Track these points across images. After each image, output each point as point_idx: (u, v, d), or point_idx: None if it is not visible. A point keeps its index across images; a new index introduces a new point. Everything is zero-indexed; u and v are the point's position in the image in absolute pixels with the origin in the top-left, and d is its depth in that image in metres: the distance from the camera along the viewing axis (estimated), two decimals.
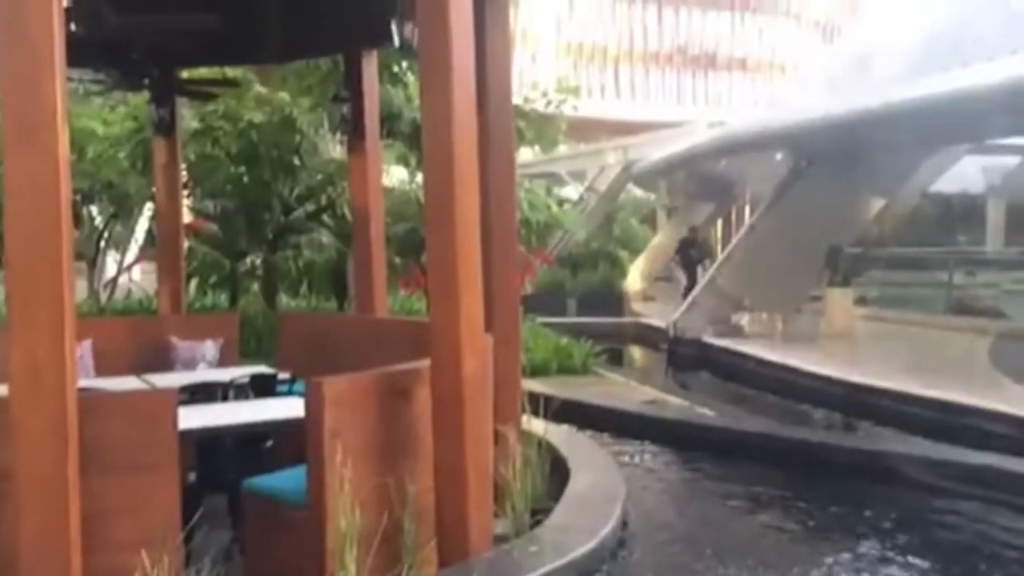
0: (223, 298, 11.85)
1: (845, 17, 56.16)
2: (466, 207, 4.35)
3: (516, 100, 12.35)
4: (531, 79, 16.17)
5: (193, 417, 4.36)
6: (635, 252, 26.33)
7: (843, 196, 15.24)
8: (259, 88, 10.42)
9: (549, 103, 13.85)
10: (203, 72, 9.51)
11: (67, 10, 3.80)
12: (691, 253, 21.01)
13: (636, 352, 17.90)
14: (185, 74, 8.35)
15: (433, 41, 4.25)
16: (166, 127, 7.49)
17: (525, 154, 22.55)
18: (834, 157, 14.44)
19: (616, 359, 14.75)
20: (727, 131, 17.92)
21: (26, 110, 3.23)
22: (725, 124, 20.62)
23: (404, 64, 10.91)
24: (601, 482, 5.83)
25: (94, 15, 4.35)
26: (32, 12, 3.19)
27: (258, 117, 9.87)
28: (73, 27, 4.08)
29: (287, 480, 4.23)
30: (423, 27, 4.37)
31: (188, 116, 9.81)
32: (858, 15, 46.49)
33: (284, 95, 10.44)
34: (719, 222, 29.24)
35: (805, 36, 56.12)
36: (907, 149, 13.94)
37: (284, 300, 12.09)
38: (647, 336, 17.78)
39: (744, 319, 16.30)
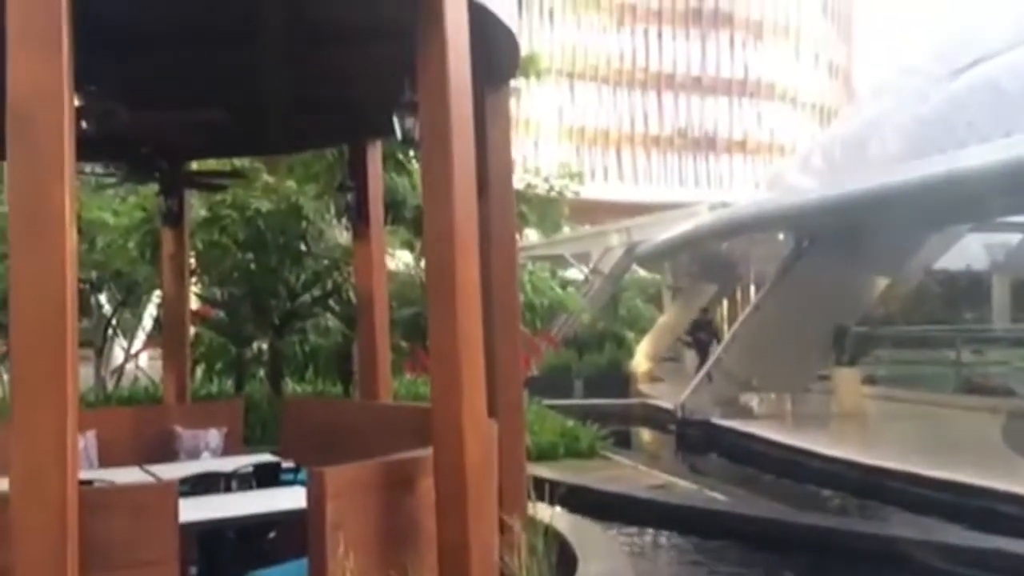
0: (229, 384, 11.84)
1: (840, 101, 57.34)
2: (467, 293, 4.38)
3: (519, 185, 12.55)
4: (534, 164, 16.48)
5: (194, 510, 4.32)
6: (641, 332, 26.32)
7: (846, 275, 15.30)
8: (267, 177, 10.62)
9: (551, 189, 14.08)
10: (211, 163, 9.71)
11: (79, 109, 3.91)
12: (701, 336, 21.00)
13: (644, 434, 17.73)
14: (194, 165, 8.52)
15: (434, 135, 4.35)
16: (174, 218, 7.62)
17: (530, 236, 22.77)
18: (835, 237, 14.54)
19: (624, 441, 14.62)
20: (728, 213, 18.11)
21: (35, 210, 3.29)
22: (726, 206, 20.85)
23: (409, 152, 11.13)
24: (609, 571, 5.72)
25: (106, 113, 4.48)
26: (44, 114, 3.28)
27: (265, 205, 10.03)
28: (84, 125, 4.19)
29: (289, 574, 4.16)
30: (425, 121, 4.48)
31: (197, 205, 9.98)
32: (853, 98, 47.45)
33: (291, 183, 10.64)
34: (724, 302, 29.31)
35: (802, 119, 57.17)
36: (908, 229, 14.05)
37: (290, 385, 12.07)
38: (655, 417, 17.63)
39: (752, 400, 16.18)
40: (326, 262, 11.14)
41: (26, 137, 3.29)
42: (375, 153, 7.46)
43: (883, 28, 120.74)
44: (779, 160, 50.48)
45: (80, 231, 8.27)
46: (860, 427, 14.25)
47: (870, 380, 17.40)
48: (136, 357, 15.42)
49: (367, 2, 5.19)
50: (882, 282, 17.29)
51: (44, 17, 3.26)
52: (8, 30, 3.29)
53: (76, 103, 3.68)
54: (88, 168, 8.22)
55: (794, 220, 15.10)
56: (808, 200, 14.25)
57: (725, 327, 26.43)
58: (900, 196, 11.16)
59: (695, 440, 14.81)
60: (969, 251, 21.12)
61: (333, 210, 10.35)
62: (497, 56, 5.44)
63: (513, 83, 6.76)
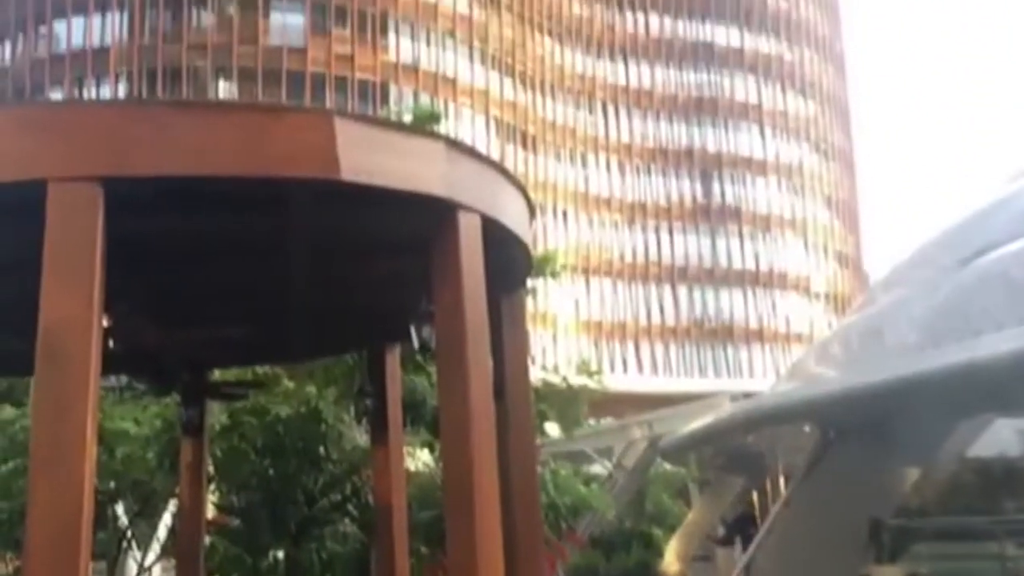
0: None
1: (852, 289, 58.20)
2: (486, 500, 4.31)
3: (537, 383, 12.58)
4: (552, 358, 16.62)
5: None
6: (669, 530, 25.44)
7: (876, 466, 14.92)
8: (287, 382, 10.74)
9: (570, 387, 14.11)
10: (233, 370, 9.85)
11: (107, 329, 4.03)
12: (750, 532, 20.34)
13: None
14: (216, 374, 8.65)
15: (450, 346, 4.44)
16: (195, 427, 7.64)
17: (550, 430, 22.57)
18: (861, 427, 14.32)
19: None
20: (751, 405, 17.95)
21: (57, 430, 3.34)
22: (748, 397, 20.70)
23: (428, 353, 11.27)
24: None
25: (133, 332, 4.62)
26: (73, 339, 3.39)
27: (285, 410, 10.09)
28: (111, 344, 4.32)
29: None
30: (441, 333, 4.58)
31: (217, 411, 10.04)
32: (865, 287, 48.10)
33: (311, 388, 10.74)
34: (754, 496, 28.50)
35: (816, 308, 57.83)
36: (935, 416, 13.85)
37: None
38: None
39: None
40: (345, 466, 11.04)
41: (54, 361, 3.38)
42: (394, 358, 7.56)
43: (888, 218, 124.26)
44: (797, 349, 50.58)
45: (101, 440, 8.31)
46: None
47: None
48: (150, 571, 15.00)
49: (386, 218, 5.43)
50: (915, 472, 16.81)
51: (80, 248, 3.44)
52: (44, 260, 3.46)
53: (104, 323, 3.81)
54: (112, 379, 8.35)
55: (818, 411, 14.93)
56: (831, 390, 14.15)
57: (758, 522, 25.54)
58: (922, 385, 11.08)
59: None
60: (1001, 437, 20.64)
61: (353, 413, 10.39)
62: (511, 264, 5.62)
63: (530, 282, 6.94)
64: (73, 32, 43.99)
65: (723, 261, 57.50)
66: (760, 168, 58.99)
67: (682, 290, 56.81)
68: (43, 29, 44.78)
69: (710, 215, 57.81)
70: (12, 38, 45.24)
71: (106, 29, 43.97)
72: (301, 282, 6.44)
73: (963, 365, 10.18)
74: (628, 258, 56.15)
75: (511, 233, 5.09)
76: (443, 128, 30.05)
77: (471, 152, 4.90)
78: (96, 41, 43.66)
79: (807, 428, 17.24)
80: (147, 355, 5.89)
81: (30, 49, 44.90)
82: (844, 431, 15.03)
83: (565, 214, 54.00)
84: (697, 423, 20.75)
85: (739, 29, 60.50)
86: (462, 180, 4.46)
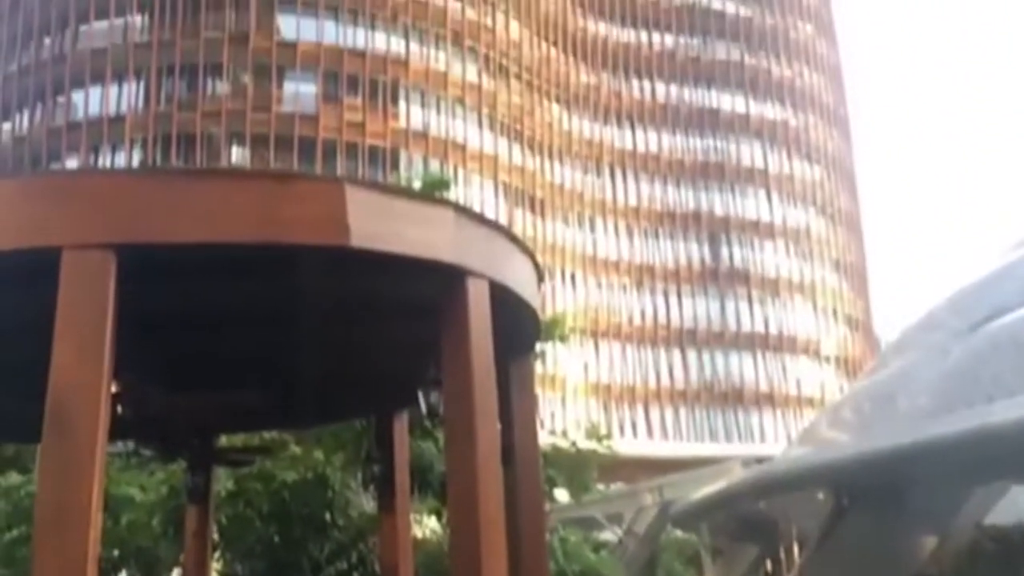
0: None
1: (862, 352, 57.89)
2: (494, 565, 4.25)
3: (545, 448, 12.47)
4: (561, 422, 16.50)
5: None
6: None
7: (891, 534, 14.65)
8: (294, 448, 10.68)
9: (579, 452, 13.99)
10: (240, 436, 9.80)
11: (115, 395, 4.03)
12: None
13: None
14: (223, 439, 8.60)
15: (458, 413, 4.42)
16: (200, 494, 7.57)
17: (559, 496, 22.25)
18: (875, 493, 14.11)
19: None
20: (763, 471, 17.73)
21: (63, 499, 3.32)
22: (759, 462, 20.45)
23: (436, 419, 11.20)
24: None
25: (142, 398, 4.62)
26: (81, 406, 3.39)
27: (291, 476, 10.02)
28: (120, 410, 4.31)
29: None
30: (448, 399, 4.57)
31: (223, 477, 9.96)
32: (875, 350, 47.82)
33: (318, 454, 10.67)
34: (768, 564, 27.93)
35: (826, 371, 57.45)
36: (948, 484, 13.65)
37: None
38: None
39: None
40: (351, 533, 10.90)
41: (62, 427, 3.38)
42: (402, 424, 7.52)
43: (897, 280, 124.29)
44: (808, 413, 50.11)
45: (106, 507, 8.23)
46: None
47: None
48: None
49: (396, 283, 5.46)
50: (931, 539, 16.49)
51: (91, 314, 3.47)
52: (56, 326, 3.48)
53: (113, 389, 3.82)
54: (119, 445, 8.32)
55: (831, 477, 14.73)
56: (843, 456, 13.99)
57: None
58: (936, 451, 10.95)
59: None
60: (1020, 504, 20.27)
61: (360, 479, 10.30)
62: (519, 329, 5.62)
63: (538, 345, 6.93)
64: (90, 101, 44.92)
65: (732, 324, 57.38)
66: (768, 231, 59.26)
67: (691, 353, 56.57)
68: (61, 98, 45.74)
69: (718, 278, 57.89)
70: (31, 107, 46.19)
71: (123, 98, 44.88)
72: (310, 348, 6.45)
73: (976, 431, 10.08)
74: (637, 321, 56.10)
75: (520, 298, 5.11)
76: (453, 193, 30.35)
77: (480, 218, 4.95)
78: (112, 109, 44.53)
79: (820, 494, 16.97)
80: (155, 421, 5.88)
81: (48, 118, 45.80)
82: (858, 497, 14.79)
83: (573, 277, 54.17)
84: (709, 489, 20.47)
85: (744, 96, 61.42)
86: (471, 246, 4.49)
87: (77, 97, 45.48)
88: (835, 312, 60.22)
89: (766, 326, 57.74)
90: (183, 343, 5.81)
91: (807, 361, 57.62)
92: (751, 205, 59.78)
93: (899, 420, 13.07)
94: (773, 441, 49.90)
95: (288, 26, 45.70)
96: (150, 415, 5.17)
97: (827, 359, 58.22)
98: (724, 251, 58.73)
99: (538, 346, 7.06)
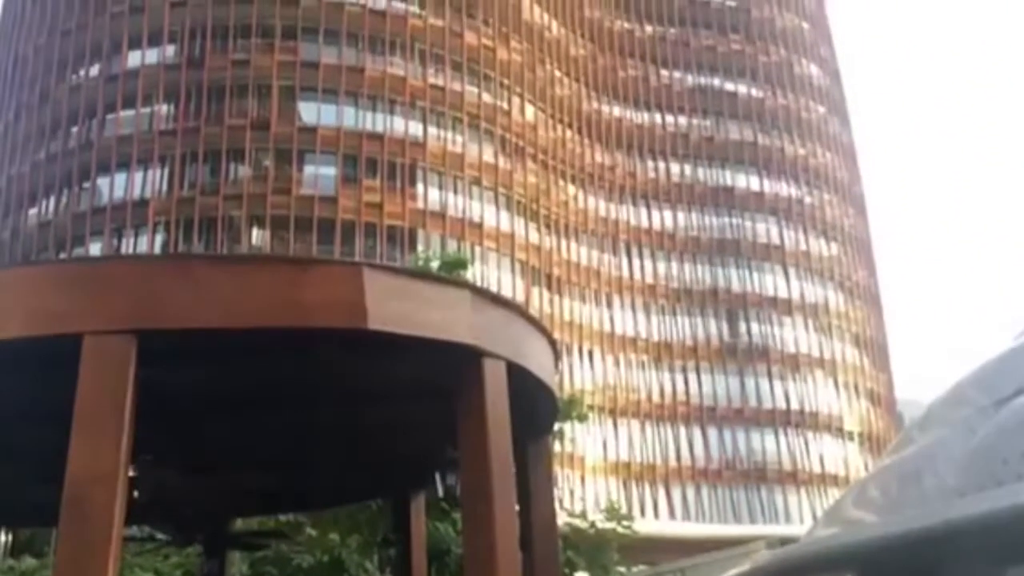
0: None
1: (886, 428, 56.96)
2: None
3: (564, 529, 12.25)
4: (580, 502, 16.24)
5: None
6: None
7: None
8: (310, 530, 10.55)
9: (599, 532, 13.73)
10: (255, 519, 9.71)
11: (132, 479, 4.03)
12: None
13: None
14: (238, 522, 8.53)
15: (475, 495, 4.38)
16: None
17: None
18: (907, 575, 13.68)
19: None
20: (787, 553, 17.28)
21: None
22: (784, 543, 19.96)
23: (453, 501, 11.07)
24: None
25: (158, 483, 4.61)
26: (98, 493, 3.39)
27: (307, 560, 9.87)
28: (136, 495, 4.30)
29: None
30: (466, 481, 4.54)
31: (238, 561, 9.83)
32: (899, 427, 47.04)
33: (334, 535, 10.53)
34: None
35: (850, 448, 56.47)
36: (980, 565, 13.25)
37: None
38: None
39: None
40: None
41: (79, 512, 3.37)
42: (418, 505, 7.44)
43: (919, 354, 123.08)
44: (832, 492, 49.05)
45: None
46: None
47: None
48: None
49: (413, 365, 5.47)
50: None
51: (111, 400, 3.49)
52: (75, 412, 3.50)
53: (130, 473, 3.81)
54: (134, 529, 8.26)
55: (858, 558, 14.30)
56: (870, 537, 13.59)
57: None
58: (966, 531, 10.67)
59: None
60: None
61: (376, 560, 10.14)
62: (536, 410, 5.60)
63: (556, 424, 6.89)
64: (115, 186, 45.92)
65: (753, 401, 56.70)
66: (786, 307, 59.04)
67: (712, 431, 55.80)
68: (87, 184, 46.79)
69: (737, 355, 57.47)
70: (57, 193, 47.23)
71: (147, 182, 45.85)
72: (327, 429, 6.44)
73: (1008, 511, 9.83)
74: (656, 398, 55.57)
75: (537, 379, 5.10)
76: (471, 272, 30.55)
77: (497, 299, 4.99)
78: (137, 194, 45.47)
79: None
80: (171, 505, 5.85)
81: (73, 203, 46.78)
82: None
83: (591, 354, 53.94)
84: (733, 572, 19.93)
85: (758, 174, 61.95)
86: (488, 327, 4.52)
87: (102, 182, 46.50)
88: (856, 387, 59.47)
89: (787, 402, 57.03)
90: (201, 426, 5.82)
91: (830, 438, 56.68)
92: (768, 281, 59.73)
93: (927, 499, 12.73)
94: (798, 520, 48.73)
95: (309, 112, 46.83)
96: (166, 499, 5.14)
97: (850, 435, 57.26)
98: (742, 327, 58.46)
99: (556, 425, 7.01)
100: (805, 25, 67.69)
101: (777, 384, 57.54)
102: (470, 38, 51.19)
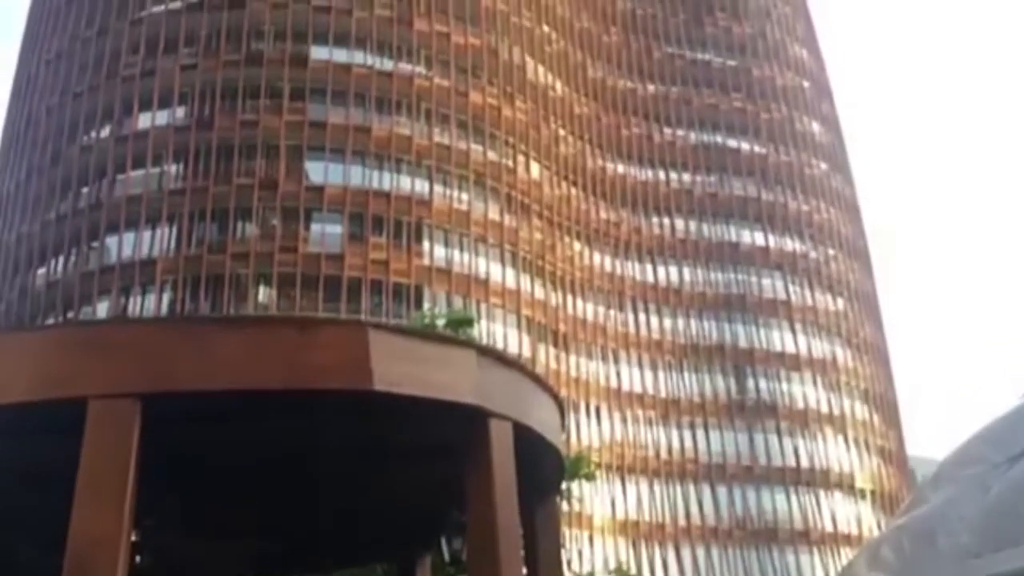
0: None
1: (897, 486, 56.18)
2: None
3: None
4: (588, 562, 15.96)
5: None
6: None
7: None
8: None
9: None
10: None
11: (134, 543, 3.98)
12: None
13: None
14: None
15: (481, 555, 4.32)
16: None
17: None
18: None
19: None
20: None
21: None
22: None
23: (458, 565, 10.90)
24: None
25: (160, 547, 4.55)
26: (100, 560, 3.34)
27: None
28: (138, 559, 4.24)
29: None
30: (472, 544, 4.47)
31: None
32: (911, 484, 46.42)
33: None
34: None
35: (862, 506, 55.64)
36: None
37: None
38: None
39: None
40: None
41: None
42: (424, 569, 7.33)
43: (929, 409, 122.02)
44: (845, 551, 48.18)
45: None
46: None
47: None
48: None
49: (418, 426, 5.44)
50: None
51: (115, 465, 3.47)
52: (79, 476, 3.48)
53: (132, 538, 3.76)
54: None
55: None
56: None
57: None
58: None
59: None
60: None
61: None
62: (543, 470, 5.55)
63: (563, 483, 6.81)
64: (124, 245, 46.26)
65: (762, 458, 56.05)
66: (794, 363, 58.72)
67: (721, 489, 55.08)
68: (95, 243, 47.14)
69: (745, 411, 57.00)
70: (65, 252, 47.58)
71: (155, 241, 46.21)
72: (332, 491, 6.37)
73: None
74: (664, 456, 54.98)
75: (543, 439, 5.06)
76: (476, 329, 30.47)
77: (503, 359, 4.98)
78: (144, 253, 45.77)
79: None
80: (173, 570, 5.77)
81: (81, 262, 47.08)
82: None
83: (598, 411, 53.55)
84: None
85: (763, 230, 62.19)
86: (494, 388, 4.50)
87: (111, 241, 46.85)
88: (867, 444, 58.83)
89: (797, 460, 56.37)
90: (205, 489, 5.76)
91: (841, 496, 55.89)
92: (775, 337, 59.53)
93: (941, 560, 12.48)
94: None
95: (316, 171, 47.35)
96: (168, 563, 5.07)
97: (862, 493, 56.46)
98: (750, 383, 58.09)
99: (563, 484, 6.93)
100: (805, 84, 68.60)
101: (787, 441, 56.96)
102: (475, 98, 51.94)
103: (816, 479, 56.05)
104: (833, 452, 57.22)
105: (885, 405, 62.55)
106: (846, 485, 56.45)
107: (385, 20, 50.13)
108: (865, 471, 57.63)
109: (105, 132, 48.34)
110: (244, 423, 4.29)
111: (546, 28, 58.77)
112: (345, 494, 6.48)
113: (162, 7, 49.39)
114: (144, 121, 47.56)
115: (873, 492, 56.81)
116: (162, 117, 47.54)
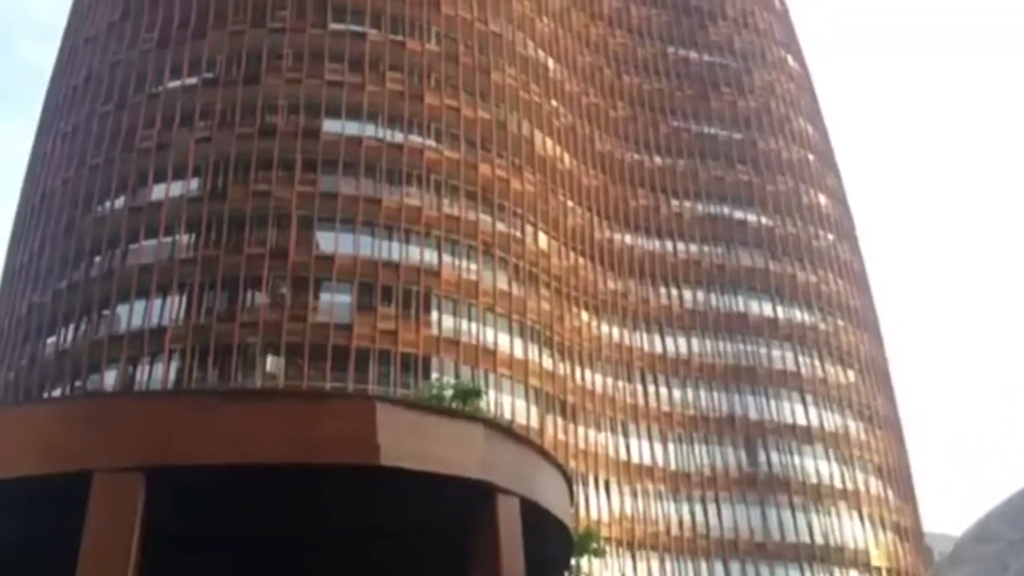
0: None
1: (913, 563, 54.86)
2: None
3: None
4: None
5: None
6: None
7: None
8: None
9: None
10: None
11: None
12: None
13: None
14: None
15: None
16: None
17: None
18: None
19: None
20: None
21: None
22: None
23: None
24: None
25: None
26: None
27: None
28: None
29: None
30: None
31: None
32: (928, 561, 45.37)
33: None
34: None
35: None
36: None
37: None
38: None
39: None
40: None
41: None
42: None
43: (945, 484, 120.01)
44: None
45: None
46: None
47: None
48: None
49: (424, 501, 5.37)
50: None
51: (119, 538, 3.43)
52: (83, 549, 3.43)
53: None
54: None
55: None
56: None
57: None
58: None
59: None
60: None
61: None
62: (551, 547, 5.45)
63: (572, 559, 6.67)
64: (134, 314, 46.45)
65: (775, 534, 54.96)
66: (805, 436, 58.01)
67: (734, 565, 53.88)
68: (106, 312, 47.37)
69: (757, 485, 56.09)
70: (76, 321, 47.80)
71: (165, 310, 46.41)
72: (336, 565, 6.26)
73: None
74: (675, 531, 53.96)
75: (551, 516, 4.99)
76: (484, 400, 30.29)
77: (510, 434, 4.94)
78: (154, 322, 45.94)
79: None
80: None
81: (91, 331, 47.25)
82: None
83: (607, 484, 52.80)
84: None
85: (771, 301, 62.15)
86: (501, 463, 4.46)
87: (121, 310, 47.07)
88: (882, 520, 57.68)
89: (811, 536, 55.24)
90: (209, 562, 5.67)
91: (857, 574, 54.60)
92: (786, 408, 58.95)
93: None
94: None
95: (326, 241, 47.78)
96: None
97: (878, 571, 55.15)
98: (762, 456, 57.32)
99: (571, 560, 6.81)
100: (811, 156, 69.37)
101: (800, 516, 55.92)
102: (484, 170, 52.64)
103: (831, 556, 54.84)
104: (848, 528, 56.09)
105: (899, 479, 61.52)
106: (861, 563, 55.18)
107: (396, 94, 51.16)
108: (881, 548, 56.40)
109: (119, 203, 49.03)
110: (248, 497, 4.25)
111: (554, 103, 59.84)
112: (349, 568, 6.37)
113: (178, 82, 50.55)
114: (158, 192, 48.24)
115: (889, 570, 55.51)
116: (176, 188, 48.25)
